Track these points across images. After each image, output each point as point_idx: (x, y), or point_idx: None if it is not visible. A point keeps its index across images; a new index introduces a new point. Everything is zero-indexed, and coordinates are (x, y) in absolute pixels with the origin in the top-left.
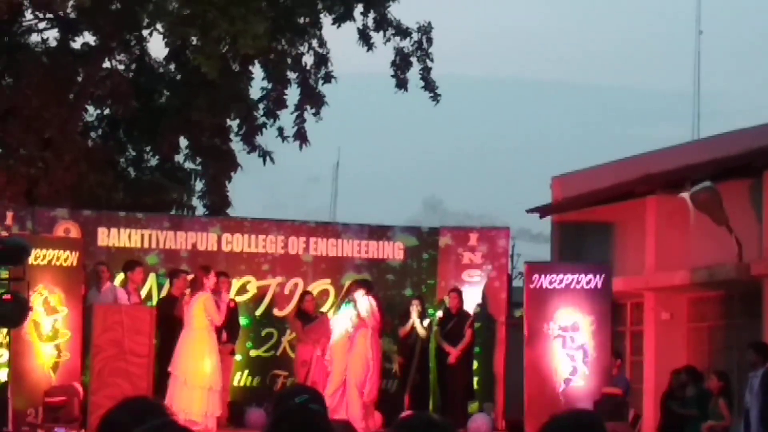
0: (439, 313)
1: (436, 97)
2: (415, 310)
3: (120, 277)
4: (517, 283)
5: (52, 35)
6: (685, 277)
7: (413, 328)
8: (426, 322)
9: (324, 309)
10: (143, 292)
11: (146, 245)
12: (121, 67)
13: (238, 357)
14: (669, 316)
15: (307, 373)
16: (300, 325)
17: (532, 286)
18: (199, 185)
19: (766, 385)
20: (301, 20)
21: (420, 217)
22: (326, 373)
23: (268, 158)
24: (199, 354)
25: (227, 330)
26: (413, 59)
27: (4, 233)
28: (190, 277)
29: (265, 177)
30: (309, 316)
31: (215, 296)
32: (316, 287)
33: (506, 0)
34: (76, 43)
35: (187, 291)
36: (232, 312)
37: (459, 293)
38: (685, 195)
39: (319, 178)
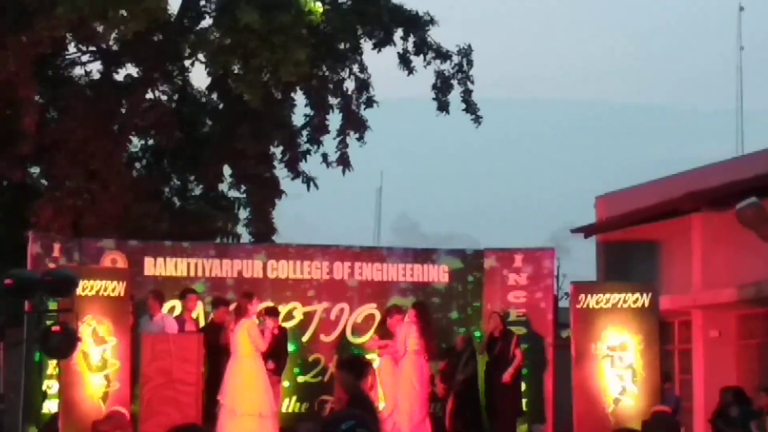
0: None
1: (477, 120)
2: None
3: (168, 305)
4: (562, 303)
5: (95, 68)
6: (732, 295)
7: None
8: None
9: (369, 334)
10: None
11: (192, 274)
12: (164, 97)
13: (285, 383)
14: (717, 333)
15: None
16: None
17: (578, 306)
18: (243, 213)
19: None
20: (342, 46)
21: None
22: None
23: (312, 184)
24: (246, 381)
25: (273, 358)
26: (454, 82)
27: (52, 265)
28: (232, 306)
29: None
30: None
31: (260, 323)
32: (362, 312)
33: (546, 23)
34: (119, 75)
35: (228, 319)
36: (280, 339)
37: (500, 315)
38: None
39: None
